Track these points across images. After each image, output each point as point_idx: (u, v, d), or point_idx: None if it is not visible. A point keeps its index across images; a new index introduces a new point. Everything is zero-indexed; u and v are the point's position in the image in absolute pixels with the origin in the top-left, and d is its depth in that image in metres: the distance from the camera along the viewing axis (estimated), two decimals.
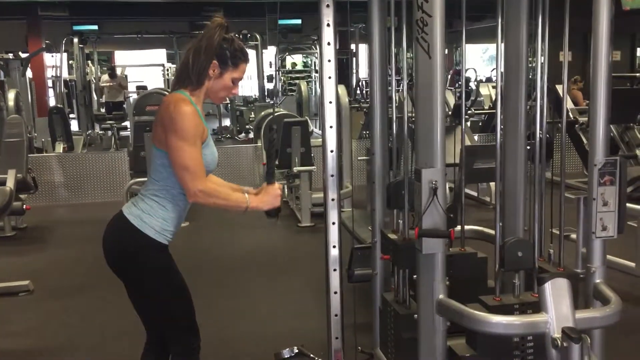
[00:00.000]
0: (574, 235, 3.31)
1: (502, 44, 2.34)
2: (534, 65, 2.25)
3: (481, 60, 19.46)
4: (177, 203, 2.08)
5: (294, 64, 17.25)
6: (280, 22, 13.67)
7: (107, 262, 2.13)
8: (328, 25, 2.26)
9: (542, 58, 2.23)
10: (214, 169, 2.14)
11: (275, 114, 7.09)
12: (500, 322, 1.86)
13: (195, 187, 1.98)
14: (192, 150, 1.97)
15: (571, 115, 6.53)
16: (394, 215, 2.56)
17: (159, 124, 2.04)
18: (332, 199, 2.37)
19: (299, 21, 13.95)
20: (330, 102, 2.32)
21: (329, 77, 2.29)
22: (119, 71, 14.87)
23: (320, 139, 2.45)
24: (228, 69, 2.07)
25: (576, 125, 6.47)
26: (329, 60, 2.29)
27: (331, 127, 2.34)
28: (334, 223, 2.39)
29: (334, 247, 2.40)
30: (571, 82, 9.13)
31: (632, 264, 3.89)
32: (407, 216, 2.40)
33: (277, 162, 2.23)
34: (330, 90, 2.31)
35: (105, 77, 12.92)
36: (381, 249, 2.58)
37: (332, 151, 2.35)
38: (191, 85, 2.06)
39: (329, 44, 2.27)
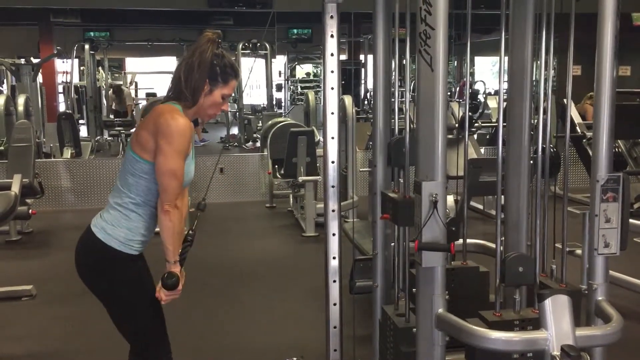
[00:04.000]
0: (579, 251, 3.27)
1: (507, 58, 2.33)
2: (540, 78, 2.24)
3: (490, 72, 19.42)
4: (140, 212, 2.06)
5: (304, 75, 17.30)
6: (290, 31, 13.76)
7: (79, 275, 2.12)
8: (332, 36, 2.26)
9: (547, 72, 2.22)
10: (186, 186, 2.14)
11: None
12: (499, 338, 1.84)
13: (174, 202, 1.98)
14: (182, 164, 1.98)
15: (578, 130, 6.51)
16: (395, 174, 2.51)
17: (148, 131, 2.00)
18: (333, 210, 2.36)
19: (308, 31, 14.02)
20: (333, 113, 2.31)
21: (332, 88, 2.29)
22: (129, 78, 14.96)
23: None
24: (218, 85, 2.06)
25: (584, 140, 6.45)
26: (332, 71, 2.28)
27: (333, 138, 2.33)
28: (334, 234, 2.37)
29: (334, 258, 2.39)
30: (587, 98, 9.08)
31: (638, 281, 3.85)
32: (408, 175, 2.36)
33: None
34: (333, 101, 2.31)
35: (111, 92, 13.10)
36: (381, 209, 2.49)
37: (333, 162, 2.34)
38: (185, 101, 2.06)
39: (332, 54, 2.27)
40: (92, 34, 13.70)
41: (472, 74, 14.96)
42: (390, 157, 2.49)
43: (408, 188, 2.33)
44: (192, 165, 2.13)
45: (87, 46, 12.49)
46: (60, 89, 13.72)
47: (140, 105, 13.14)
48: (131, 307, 2.11)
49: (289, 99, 15.94)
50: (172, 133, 1.95)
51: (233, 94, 2.30)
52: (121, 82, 14.45)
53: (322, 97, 2.40)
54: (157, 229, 2.13)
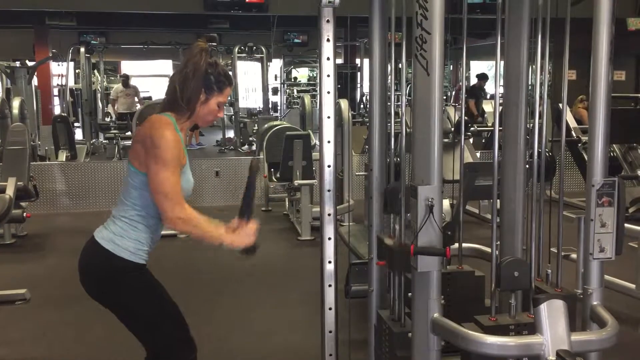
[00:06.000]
0: (574, 255, 3.28)
1: (503, 62, 2.34)
2: (535, 82, 2.24)
3: None
4: (148, 224, 2.07)
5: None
6: (286, 35, 13.75)
7: (86, 290, 2.10)
8: (328, 40, 2.26)
9: (543, 76, 2.23)
10: (188, 196, 2.12)
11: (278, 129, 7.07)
12: (494, 343, 1.84)
13: (175, 214, 1.97)
14: (171, 176, 1.96)
15: (574, 134, 6.52)
16: (390, 221, 2.52)
17: (139, 143, 2.02)
18: (329, 214, 2.35)
19: (305, 35, 14.02)
20: (329, 117, 2.31)
21: (328, 92, 2.29)
22: None
23: None
24: (213, 94, 2.09)
25: (579, 144, 6.46)
26: (328, 75, 2.28)
27: (329, 141, 2.32)
28: (329, 238, 2.37)
29: (330, 262, 2.38)
30: (578, 101, 9.12)
31: (632, 286, 3.85)
32: (403, 221, 2.37)
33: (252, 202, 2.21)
34: (329, 105, 2.30)
35: (119, 86, 12.86)
36: (377, 255, 2.53)
37: (329, 166, 2.33)
38: (181, 111, 2.07)
39: (328, 59, 2.26)
40: (87, 36, 13.67)
41: (467, 79, 14.99)
42: (386, 204, 2.52)
43: (404, 235, 2.34)
44: (189, 174, 2.13)
45: (82, 49, 12.46)
46: (55, 91, 13.67)
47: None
48: (146, 315, 2.10)
49: (285, 102, 15.93)
50: (157, 148, 1.95)
51: (229, 98, 2.32)
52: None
53: (318, 101, 2.38)
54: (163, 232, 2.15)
